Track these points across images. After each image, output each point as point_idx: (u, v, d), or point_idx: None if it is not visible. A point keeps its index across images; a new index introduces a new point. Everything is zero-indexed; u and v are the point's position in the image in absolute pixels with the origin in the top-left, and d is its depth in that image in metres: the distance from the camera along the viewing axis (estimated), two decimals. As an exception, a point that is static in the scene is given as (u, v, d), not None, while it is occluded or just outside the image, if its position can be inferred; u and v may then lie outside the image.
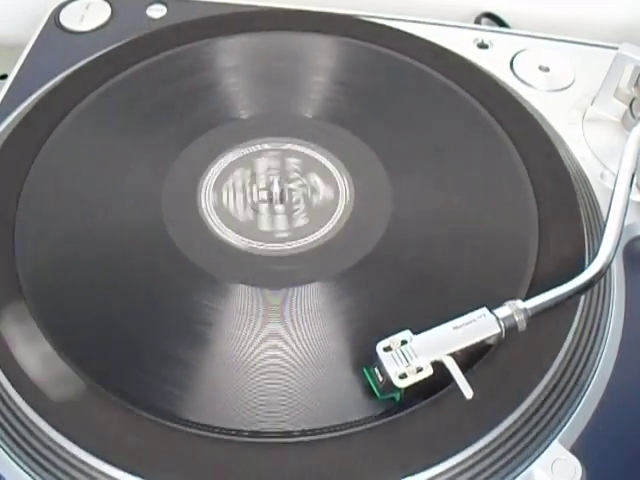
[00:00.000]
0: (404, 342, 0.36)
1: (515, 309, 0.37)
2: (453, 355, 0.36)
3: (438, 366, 0.36)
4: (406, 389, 0.35)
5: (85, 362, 0.38)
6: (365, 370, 0.37)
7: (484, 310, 0.37)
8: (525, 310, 0.37)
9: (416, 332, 0.37)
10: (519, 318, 0.37)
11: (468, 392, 0.35)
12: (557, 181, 0.46)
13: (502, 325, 0.37)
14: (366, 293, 0.41)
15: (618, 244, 0.40)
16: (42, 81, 0.53)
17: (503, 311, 0.37)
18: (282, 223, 0.45)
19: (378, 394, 0.37)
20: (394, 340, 0.36)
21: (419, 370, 0.35)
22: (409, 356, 0.36)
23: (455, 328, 0.37)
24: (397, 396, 0.36)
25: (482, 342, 0.37)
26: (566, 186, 0.46)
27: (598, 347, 0.41)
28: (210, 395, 0.38)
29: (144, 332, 0.40)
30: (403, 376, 0.35)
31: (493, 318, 0.37)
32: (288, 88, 0.52)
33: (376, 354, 0.36)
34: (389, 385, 0.36)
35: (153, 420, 0.36)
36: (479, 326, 0.37)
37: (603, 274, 0.40)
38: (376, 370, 0.36)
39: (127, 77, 0.51)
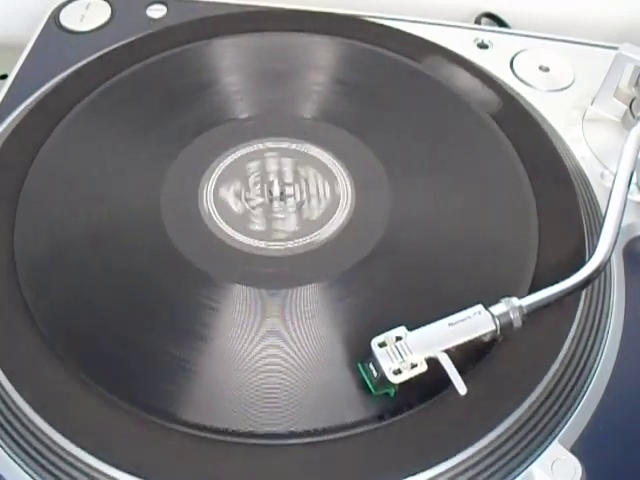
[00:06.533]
0: (399, 338, 0.36)
1: (511, 306, 0.37)
2: (448, 352, 0.36)
3: (435, 363, 0.36)
4: (400, 385, 0.36)
5: (84, 362, 0.38)
6: (360, 366, 0.37)
7: (479, 307, 0.37)
8: (520, 307, 0.38)
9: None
10: (514, 315, 0.37)
11: (462, 389, 0.35)
12: (557, 181, 0.46)
13: (497, 322, 0.37)
14: (365, 294, 0.41)
15: (615, 242, 0.40)
16: (42, 81, 0.53)
17: (498, 308, 0.37)
18: (281, 223, 0.45)
19: (372, 389, 0.37)
20: (389, 336, 0.36)
21: (413, 366, 0.36)
22: (403, 352, 0.36)
23: (450, 325, 0.37)
24: (391, 392, 0.36)
25: (477, 339, 0.37)
26: (566, 186, 0.46)
27: (598, 347, 0.41)
28: (209, 395, 0.38)
29: (143, 332, 0.40)
30: (397, 372, 0.35)
31: (488, 315, 0.37)
32: (288, 88, 0.52)
33: (371, 350, 0.36)
34: (383, 381, 0.36)
35: (152, 420, 0.36)
36: (474, 323, 0.37)
37: (600, 272, 0.40)
38: (371, 366, 0.37)
39: (127, 77, 0.51)
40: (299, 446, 0.36)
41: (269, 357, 0.39)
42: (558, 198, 0.45)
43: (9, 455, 0.37)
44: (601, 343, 0.41)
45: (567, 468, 0.36)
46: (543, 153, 0.47)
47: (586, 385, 0.40)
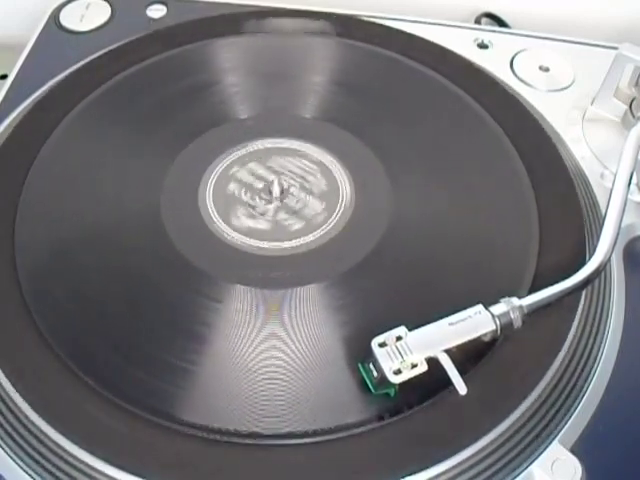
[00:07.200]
0: (399, 338, 0.36)
1: (511, 306, 0.37)
2: (448, 351, 0.36)
3: (435, 363, 0.36)
4: (400, 385, 0.36)
5: (84, 362, 0.38)
6: (360, 365, 0.37)
7: (480, 307, 0.37)
8: (521, 307, 0.38)
9: (415, 331, 0.37)
10: (514, 315, 0.37)
11: (462, 389, 0.35)
12: (557, 181, 0.46)
13: (497, 322, 0.37)
14: (366, 294, 0.41)
15: (615, 242, 0.40)
16: (42, 81, 0.53)
17: (499, 308, 0.37)
18: (281, 223, 0.45)
19: (373, 389, 0.37)
20: (389, 336, 0.36)
21: (414, 366, 0.36)
22: (404, 352, 0.36)
23: (450, 324, 0.37)
24: (391, 392, 0.37)
25: (477, 339, 0.37)
26: (566, 186, 0.46)
27: (598, 347, 0.41)
28: (209, 396, 0.38)
29: (144, 333, 0.40)
30: (398, 372, 0.35)
31: (489, 315, 0.37)
32: (288, 88, 0.52)
33: (371, 350, 0.36)
34: (384, 381, 0.36)
35: (153, 420, 0.36)
36: (474, 323, 0.37)
37: (600, 272, 0.40)
38: (371, 366, 0.37)
39: (127, 77, 0.51)
40: (299, 446, 0.36)
41: (269, 357, 0.39)
42: (558, 198, 0.45)
43: (9, 455, 0.37)
44: (601, 343, 0.41)
45: (567, 468, 0.36)
46: (543, 153, 0.47)
47: (586, 385, 0.40)
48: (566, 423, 0.38)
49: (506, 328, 0.37)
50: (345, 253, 0.43)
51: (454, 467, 0.35)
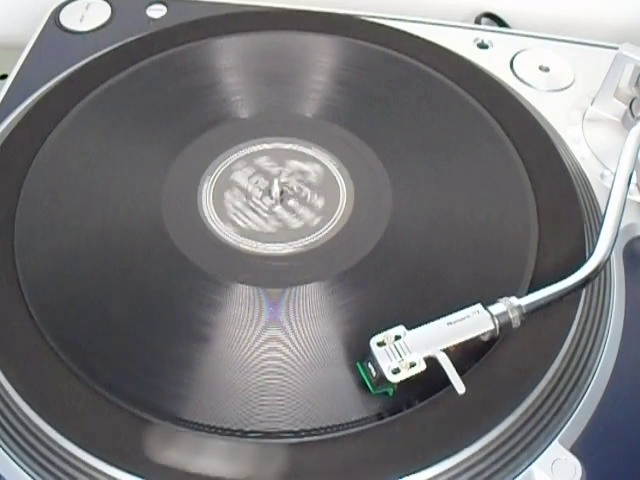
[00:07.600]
0: (398, 337, 0.36)
1: (509, 306, 0.37)
2: (446, 351, 0.36)
3: (434, 362, 0.36)
4: (399, 384, 0.36)
5: (85, 362, 0.38)
6: (359, 365, 0.37)
7: (478, 306, 0.38)
8: (519, 307, 0.38)
9: (414, 330, 0.37)
10: (513, 315, 0.37)
11: (460, 388, 0.35)
12: (557, 181, 0.46)
13: (496, 322, 0.37)
14: (366, 293, 0.41)
15: (615, 241, 0.40)
16: (42, 81, 0.53)
17: (497, 308, 0.37)
18: (282, 223, 0.45)
19: (371, 388, 0.37)
20: (388, 335, 0.36)
21: (412, 365, 0.36)
22: (402, 351, 0.36)
23: (449, 324, 0.37)
24: (390, 391, 0.37)
25: (476, 338, 0.37)
26: (566, 186, 0.46)
27: (598, 347, 0.41)
28: (210, 395, 0.38)
29: (144, 332, 0.40)
30: (396, 371, 0.35)
31: (487, 314, 0.37)
32: (288, 88, 0.52)
33: (370, 349, 0.36)
34: (382, 380, 0.36)
35: (152, 420, 0.36)
36: (473, 322, 0.37)
37: (599, 271, 0.40)
38: (369, 365, 0.37)
39: (127, 77, 0.51)
40: (299, 445, 0.36)
41: (269, 357, 0.39)
42: (558, 198, 0.45)
43: (9, 455, 0.37)
44: (601, 343, 0.41)
45: (567, 468, 0.36)
46: (543, 153, 0.47)
47: (586, 385, 0.40)
48: (566, 423, 0.38)
49: (505, 328, 0.37)
50: (345, 252, 0.43)
51: (454, 467, 0.36)
